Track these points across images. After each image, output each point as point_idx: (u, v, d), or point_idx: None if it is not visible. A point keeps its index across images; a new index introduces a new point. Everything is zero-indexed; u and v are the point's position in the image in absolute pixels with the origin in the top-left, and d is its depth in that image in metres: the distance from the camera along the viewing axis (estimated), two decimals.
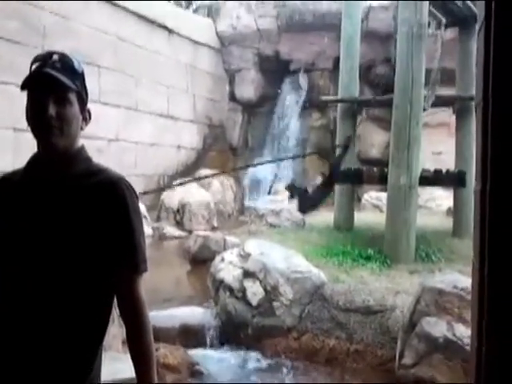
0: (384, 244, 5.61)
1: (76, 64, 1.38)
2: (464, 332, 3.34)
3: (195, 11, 12.60)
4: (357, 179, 6.93)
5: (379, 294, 4.31)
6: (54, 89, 1.32)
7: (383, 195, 7.36)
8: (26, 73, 1.35)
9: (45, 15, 6.83)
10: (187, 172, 9.80)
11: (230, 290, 4.53)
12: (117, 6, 8.10)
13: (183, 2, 14.19)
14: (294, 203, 8.31)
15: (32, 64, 1.36)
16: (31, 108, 1.35)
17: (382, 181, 6.33)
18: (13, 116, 5.92)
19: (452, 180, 6.49)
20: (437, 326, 3.52)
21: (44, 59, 1.35)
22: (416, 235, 5.61)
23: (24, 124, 1.39)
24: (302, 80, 11.12)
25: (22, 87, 1.34)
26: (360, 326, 4.13)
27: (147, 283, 1.38)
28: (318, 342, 4.18)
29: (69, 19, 7.21)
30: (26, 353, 1.30)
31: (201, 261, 5.86)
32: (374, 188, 8.88)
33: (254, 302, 4.40)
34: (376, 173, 6.56)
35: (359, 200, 9.07)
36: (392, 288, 4.45)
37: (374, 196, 9.09)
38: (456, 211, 6.74)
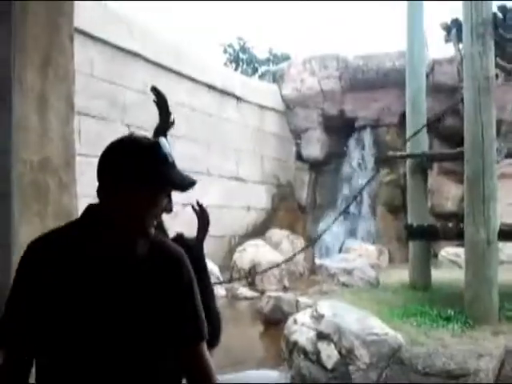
0: (465, 303, 5.33)
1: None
2: None
3: (261, 77, 13.32)
4: (430, 236, 6.74)
5: (461, 358, 4.06)
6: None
7: (461, 251, 7.04)
8: (106, 144, 1.44)
9: (126, 92, 7.46)
10: (257, 232, 9.95)
11: (304, 352, 4.46)
12: (190, 79, 8.71)
13: (249, 70, 15.08)
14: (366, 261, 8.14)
15: (149, 162, 1.39)
16: (152, 203, 1.41)
17: (458, 236, 6.10)
18: (95, 186, 6.39)
19: None
20: None
21: (166, 159, 1.42)
22: (500, 293, 5.29)
23: None
24: (369, 136, 11.17)
25: (162, 187, 1.43)
26: None
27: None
28: None
29: (148, 95, 7.82)
30: None
31: (273, 322, 5.83)
32: (451, 243, 8.54)
33: (329, 366, 4.30)
34: (451, 228, 6.34)
35: (435, 256, 8.73)
36: (475, 350, 4.19)
37: (451, 252, 8.72)
38: None
